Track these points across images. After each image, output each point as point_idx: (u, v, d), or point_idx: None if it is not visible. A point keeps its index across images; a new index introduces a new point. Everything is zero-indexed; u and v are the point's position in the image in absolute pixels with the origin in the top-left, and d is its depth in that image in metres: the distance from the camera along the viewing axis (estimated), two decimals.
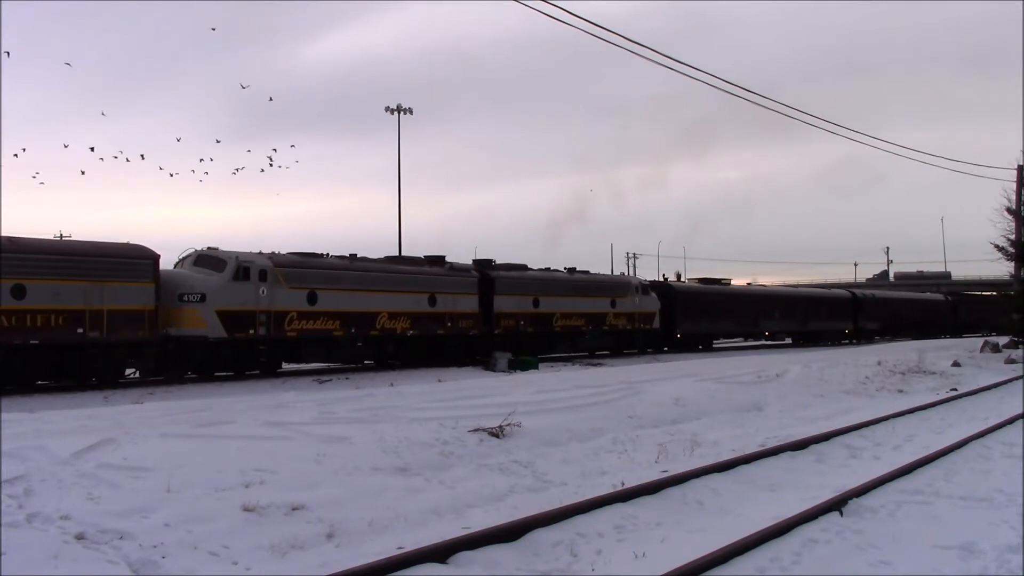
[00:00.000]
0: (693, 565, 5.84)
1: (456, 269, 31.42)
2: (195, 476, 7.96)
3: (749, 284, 53.62)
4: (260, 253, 25.68)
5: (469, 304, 31.02)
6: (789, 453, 10.54)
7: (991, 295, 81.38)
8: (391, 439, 10.06)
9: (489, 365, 29.49)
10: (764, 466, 9.76)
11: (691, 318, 42.37)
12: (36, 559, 5.83)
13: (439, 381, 21.44)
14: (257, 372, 25.65)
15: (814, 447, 10.96)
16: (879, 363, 23.18)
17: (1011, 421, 13.38)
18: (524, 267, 34.93)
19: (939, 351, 30.28)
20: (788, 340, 52.86)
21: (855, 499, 7.92)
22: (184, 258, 25.09)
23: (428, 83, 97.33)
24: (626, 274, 42.38)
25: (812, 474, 9.55)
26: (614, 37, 17.42)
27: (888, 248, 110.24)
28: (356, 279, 27.55)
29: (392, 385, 19.96)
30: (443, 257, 31.57)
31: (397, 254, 34.58)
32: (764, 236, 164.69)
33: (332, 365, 28.86)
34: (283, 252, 26.87)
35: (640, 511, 7.55)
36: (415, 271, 29.95)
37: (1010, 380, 21.86)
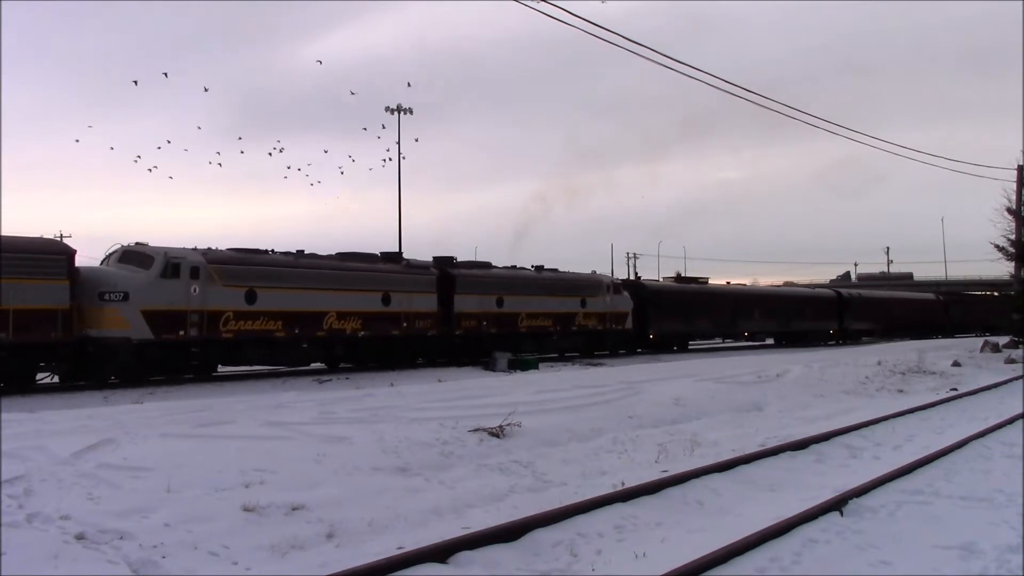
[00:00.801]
0: (693, 565, 5.84)
1: (413, 266, 29.92)
2: (195, 476, 7.96)
3: (728, 283, 51.22)
4: (195, 249, 24.25)
5: (427, 303, 29.47)
6: (789, 453, 10.54)
7: (984, 294, 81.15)
8: (391, 439, 10.06)
9: (489, 365, 29.46)
10: (764, 466, 9.76)
11: (664, 318, 40.90)
12: (36, 559, 5.83)
13: (439, 381, 21.45)
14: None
15: (814, 447, 10.96)
16: (879, 363, 23.19)
17: (1011, 421, 13.38)
18: (488, 265, 33.56)
19: (939, 351, 30.28)
20: (770, 341, 51.61)
21: (855, 499, 7.92)
22: (110, 254, 23.58)
23: (428, 83, 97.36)
24: (598, 272, 38.80)
25: (812, 474, 9.55)
26: (614, 37, 17.42)
27: (888, 248, 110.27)
28: (300, 277, 26.00)
29: (392, 385, 19.97)
30: (400, 254, 30.25)
31: (352, 251, 32.20)
32: (764, 236, 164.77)
33: (276, 368, 27.52)
34: (221, 248, 25.37)
35: (640, 511, 7.55)
36: (367, 268, 28.33)
37: (1010, 380, 21.85)
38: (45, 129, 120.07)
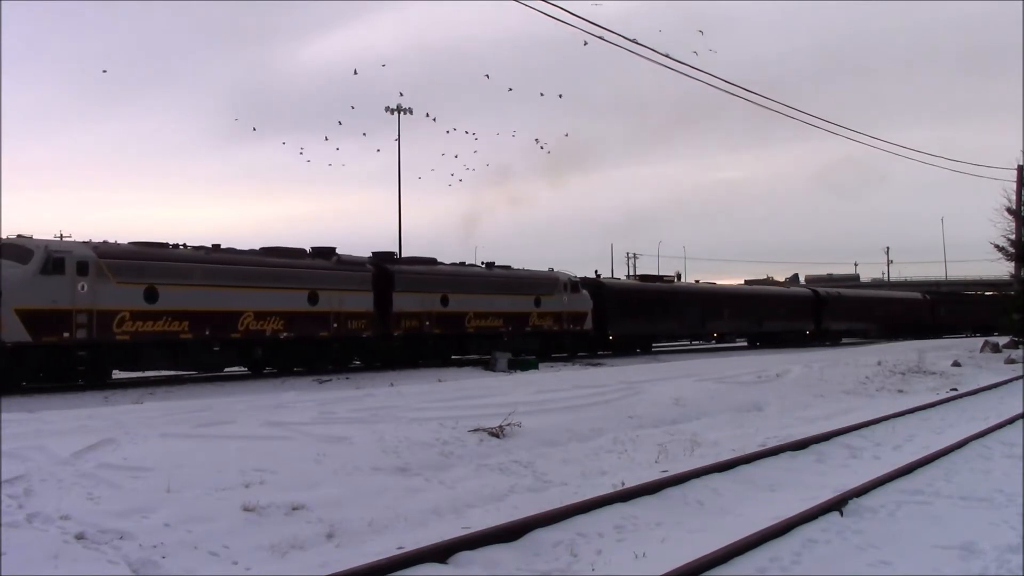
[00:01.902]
0: (693, 565, 5.83)
1: (346, 263, 27.84)
2: (195, 476, 7.96)
3: (697, 282, 48.70)
4: (86, 242, 22.24)
5: (361, 302, 27.43)
6: (789, 453, 10.54)
7: (974, 294, 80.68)
8: (391, 439, 10.06)
9: (489, 365, 29.46)
10: (764, 466, 9.76)
11: (625, 318, 38.79)
12: (36, 559, 5.83)
13: (439, 381, 21.45)
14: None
15: (814, 447, 10.96)
16: (879, 363, 23.20)
17: (1011, 421, 13.38)
18: (433, 261, 31.55)
19: (939, 351, 30.28)
20: (743, 342, 49.58)
21: (855, 499, 7.91)
22: None
23: (428, 83, 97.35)
24: (555, 270, 36.57)
25: (812, 474, 9.55)
26: (614, 37, 17.42)
27: (888, 248, 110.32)
28: (210, 273, 23.79)
29: (392, 385, 19.98)
30: (333, 249, 28.00)
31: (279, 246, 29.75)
32: (764, 236, 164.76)
33: (183, 373, 25.52)
34: (119, 242, 23.25)
35: (640, 511, 7.55)
36: (291, 264, 26.22)
37: (1010, 380, 21.86)
38: (45, 129, 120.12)
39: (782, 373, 19.69)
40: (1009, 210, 37.97)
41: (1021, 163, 38.42)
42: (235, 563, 6.20)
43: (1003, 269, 42.67)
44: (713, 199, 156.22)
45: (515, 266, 35.84)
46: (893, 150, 41.20)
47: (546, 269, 36.33)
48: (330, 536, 6.86)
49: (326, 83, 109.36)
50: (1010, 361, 28.53)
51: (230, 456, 8.71)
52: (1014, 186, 38.14)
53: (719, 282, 54.15)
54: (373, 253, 30.25)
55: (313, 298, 26.18)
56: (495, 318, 32.21)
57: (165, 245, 23.92)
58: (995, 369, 25.71)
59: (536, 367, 28.87)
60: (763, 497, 8.42)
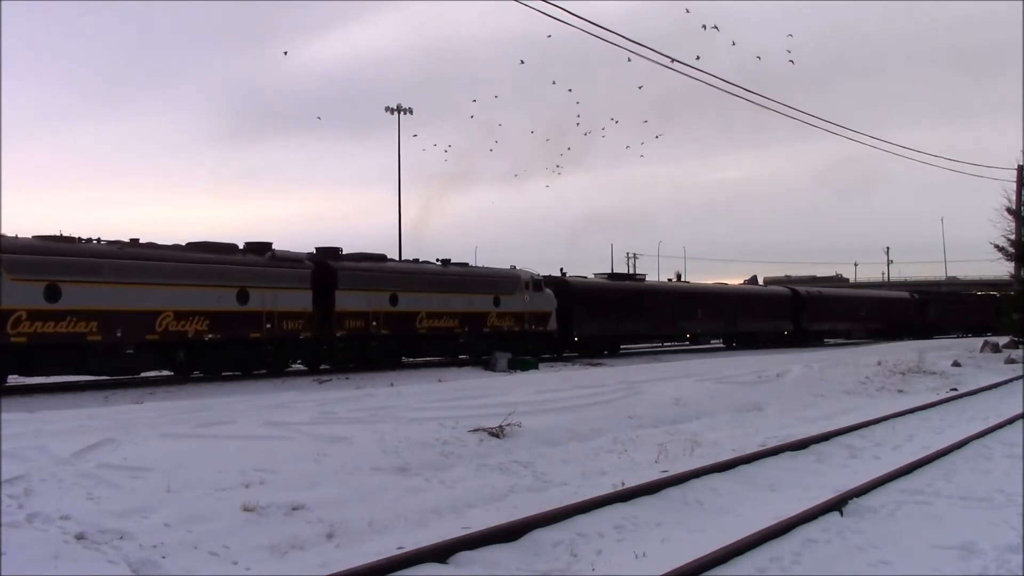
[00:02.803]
0: (693, 565, 5.83)
1: (281, 259, 25.97)
2: (195, 476, 7.96)
3: (670, 280, 47.77)
4: None
5: (299, 301, 25.68)
6: (789, 453, 10.54)
7: (965, 293, 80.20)
8: (391, 439, 10.06)
9: (489, 365, 29.47)
10: (764, 466, 9.76)
11: (591, 318, 37.15)
12: (36, 559, 5.83)
13: (439, 381, 21.46)
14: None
15: (814, 447, 10.96)
16: (879, 363, 23.20)
17: (1011, 421, 13.38)
18: (382, 258, 29.95)
19: (939, 351, 30.29)
20: (717, 344, 48.06)
21: (855, 499, 7.91)
22: None
23: (428, 83, 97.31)
24: (518, 268, 34.80)
25: (812, 474, 9.55)
26: (614, 37, 17.42)
27: (888, 248, 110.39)
28: (122, 269, 21.78)
29: (392, 385, 19.98)
30: (269, 244, 26.17)
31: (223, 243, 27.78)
32: (764, 236, 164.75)
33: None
34: (19, 236, 21.17)
35: (640, 511, 7.55)
36: (217, 260, 24.24)
37: (1010, 380, 21.86)
38: (45, 129, 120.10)
39: (782, 373, 19.69)
40: (1009, 210, 37.98)
41: (1021, 163, 38.45)
42: (235, 563, 6.20)
43: (1003, 269, 42.69)
44: (713, 199, 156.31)
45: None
46: (893, 150, 41.19)
47: (508, 267, 34.79)
48: (330, 536, 6.86)
49: (326, 83, 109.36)
50: (1010, 361, 28.54)
51: (230, 456, 8.71)
52: (1014, 186, 38.16)
53: (726, 283, 53.70)
54: (316, 248, 28.50)
55: (243, 297, 24.34)
56: (450, 318, 30.50)
57: (74, 239, 22.00)
58: (995, 369, 25.71)
59: (536, 367, 28.87)
60: (763, 497, 8.42)
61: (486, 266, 34.18)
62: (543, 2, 15.17)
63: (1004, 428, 12.80)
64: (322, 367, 27.20)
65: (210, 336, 23.59)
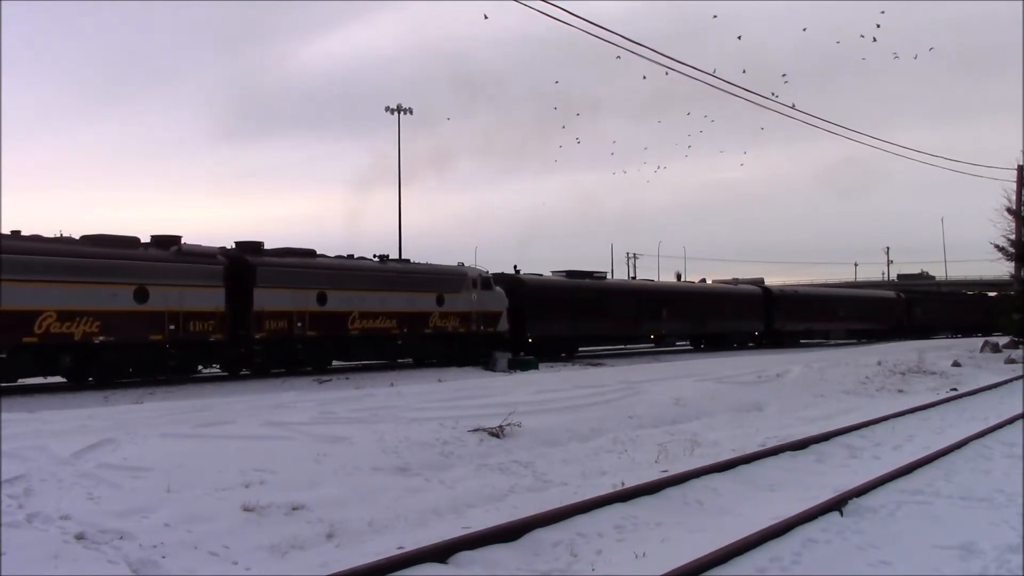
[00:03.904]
0: (693, 565, 5.83)
1: (189, 254, 23.85)
2: (195, 476, 7.96)
3: (633, 278, 45.09)
4: None
5: (209, 300, 23.58)
6: (789, 453, 10.54)
7: (954, 292, 79.57)
8: (391, 439, 10.06)
9: (489, 365, 29.46)
10: (764, 466, 9.76)
11: (546, 318, 34.95)
12: (36, 559, 5.83)
13: (439, 381, 21.47)
14: (249, 373, 22.98)
15: (814, 447, 10.96)
16: (879, 363, 23.21)
17: (1011, 421, 13.38)
18: (310, 253, 27.70)
19: (939, 351, 30.30)
20: (685, 345, 46.09)
21: (855, 499, 7.91)
22: None
23: (428, 83, 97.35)
24: (466, 264, 32.68)
25: (812, 474, 9.55)
26: (614, 37, 17.42)
27: (888, 248, 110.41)
28: None
29: (392, 385, 19.99)
30: (177, 238, 24.07)
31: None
32: (764, 236, 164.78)
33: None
34: None
35: (640, 511, 7.55)
36: (111, 255, 21.95)
37: (1010, 380, 21.86)
38: (45, 129, 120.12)
39: (782, 373, 19.70)
40: (1009, 210, 38.02)
41: (1021, 163, 38.49)
42: (235, 563, 6.20)
43: (1003, 269, 42.70)
44: (713, 199, 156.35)
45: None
46: (893, 150, 41.22)
47: (456, 263, 32.69)
48: (330, 536, 6.86)
49: (326, 83, 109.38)
50: (1010, 361, 28.55)
51: (230, 456, 8.71)
52: (1014, 186, 38.20)
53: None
54: (236, 243, 26.41)
55: (142, 295, 22.17)
56: (386, 318, 28.40)
57: None
58: (995, 369, 25.72)
59: (536, 367, 28.86)
60: (763, 497, 8.42)
61: (430, 262, 31.70)
62: (543, 2, 15.18)
63: (1004, 428, 12.80)
64: (243, 372, 25.27)
65: (101, 338, 21.34)
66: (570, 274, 39.06)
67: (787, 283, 77.57)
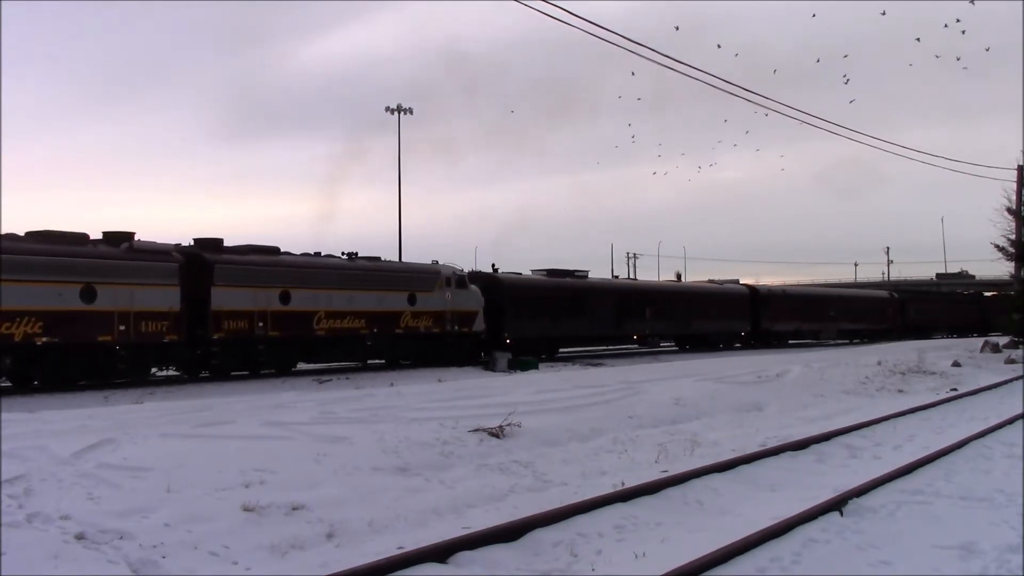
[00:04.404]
0: (693, 565, 5.83)
1: (142, 251, 22.75)
2: (195, 476, 7.96)
3: (616, 277, 43.17)
4: None
5: (162, 299, 22.48)
6: (789, 453, 10.54)
7: (949, 292, 79.12)
8: (391, 439, 10.06)
9: (489, 365, 29.47)
10: (764, 466, 9.76)
11: (525, 318, 33.84)
12: (36, 559, 5.83)
13: (439, 381, 21.47)
14: (259, 372, 23.13)
15: (814, 447, 10.96)
16: (879, 363, 23.22)
17: (1011, 421, 13.38)
18: (274, 250, 26.62)
19: (939, 351, 30.31)
20: (671, 345, 44.49)
21: (855, 499, 7.91)
22: None
23: (428, 83, 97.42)
24: (440, 262, 31.49)
25: (812, 474, 9.55)
26: (614, 37, 17.43)
27: (888, 248, 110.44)
28: None
29: (392, 385, 19.99)
30: (131, 235, 22.96)
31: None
32: (764, 236, 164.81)
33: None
34: None
35: (640, 511, 7.55)
36: (56, 252, 20.92)
37: (1010, 380, 21.87)
38: (45, 129, 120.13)
39: (782, 373, 19.70)
40: (1009, 210, 38.07)
41: (1021, 163, 38.52)
42: (235, 563, 6.20)
43: (1003, 269, 42.73)
44: (713, 199, 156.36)
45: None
46: (893, 150, 41.24)
47: (430, 261, 31.72)
48: (330, 536, 6.86)
49: (326, 83, 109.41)
50: (1010, 361, 28.56)
51: (230, 456, 8.71)
52: (1014, 186, 38.24)
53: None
54: (194, 240, 25.40)
55: (88, 294, 21.17)
56: (355, 318, 27.32)
57: None
58: (995, 369, 25.73)
59: (536, 367, 28.86)
60: (763, 497, 8.42)
61: (404, 260, 30.74)
62: (543, 2, 15.18)
63: (1004, 428, 12.80)
64: (202, 374, 24.25)
65: (44, 340, 20.31)
66: (550, 273, 38.11)
67: (788, 283, 77.53)
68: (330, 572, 5.61)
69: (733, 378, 18.41)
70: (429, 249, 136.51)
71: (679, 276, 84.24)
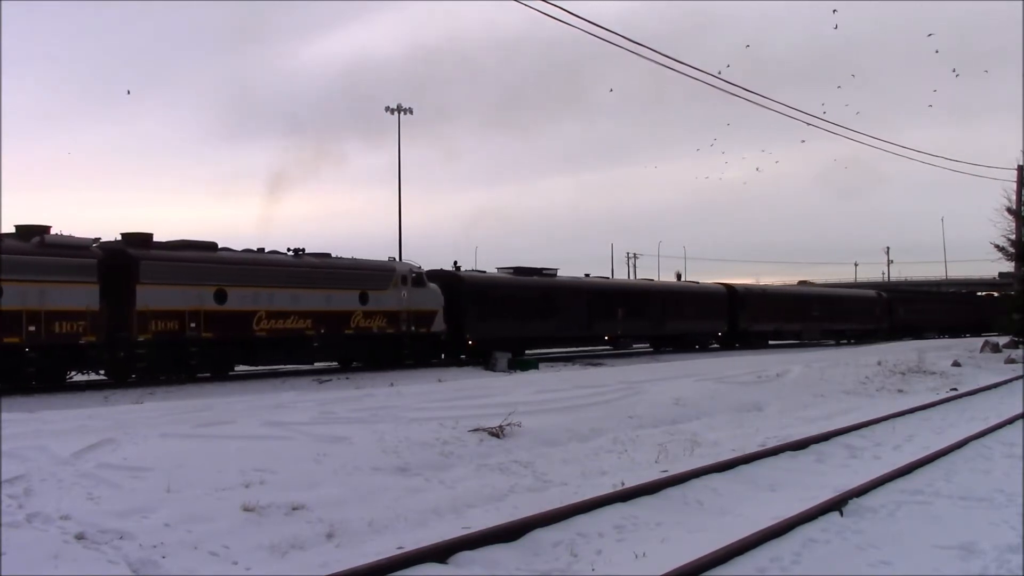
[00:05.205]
0: (693, 565, 5.84)
1: (56, 245, 21.21)
2: (195, 476, 7.97)
3: (587, 276, 40.09)
4: None
5: (79, 298, 20.94)
6: (789, 453, 10.54)
7: (940, 292, 78.95)
8: (391, 439, 10.07)
9: (489, 365, 29.47)
10: (764, 466, 9.76)
11: (488, 319, 32.42)
12: (36, 559, 5.83)
13: (439, 381, 21.46)
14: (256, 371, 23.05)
15: (814, 447, 10.96)
16: (879, 363, 23.23)
17: (1011, 421, 13.39)
18: (211, 246, 25.06)
19: (939, 351, 30.32)
20: (647, 346, 42.69)
21: (855, 499, 7.92)
22: None
23: (428, 83, 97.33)
24: (397, 259, 30.49)
25: (812, 474, 9.56)
26: (614, 37, 17.43)
27: (888, 248, 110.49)
28: None
29: (392, 385, 19.98)
30: (46, 229, 21.52)
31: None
32: (764, 236, 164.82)
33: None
34: None
35: (640, 511, 7.55)
36: None
37: (1010, 380, 21.87)
38: (45, 129, 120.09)
39: (782, 373, 19.71)
40: (1009, 210, 38.08)
41: (1021, 163, 38.52)
42: (235, 563, 6.20)
43: (1003, 269, 42.72)
44: (713, 199, 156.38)
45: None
46: (893, 150, 41.20)
47: (385, 259, 30.36)
48: (330, 536, 6.86)
49: (326, 83, 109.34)
50: (1010, 361, 28.57)
51: (230, 456, 8.71)
52: (1014, 186, 38.24)
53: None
54: (122, 235, 23.77)
55: None
56: (300, 318, 25.88)
57: None
58: (995, 369, 25.74)
59: (536, 367, 28.88)
60: (763, 497, 8.42)
61: (355, 257, 29.15)
62: (543, 2, 15.18)
63: (1004, 428, 12.81)
64: (131, 378, 22.65)
65: None
66: (517, 271, 36.52)
67: (787, 284, 77.44)
68: (330, 572, 5.62)
69: (733, 378, 18.41)
70: (429, 249, 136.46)
71: (679, 276, 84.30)
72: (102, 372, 22.85)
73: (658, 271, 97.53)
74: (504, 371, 28.09)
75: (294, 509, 7.36)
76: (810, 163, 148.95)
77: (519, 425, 11.30)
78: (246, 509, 7.22)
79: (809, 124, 26.43)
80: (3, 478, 7.30)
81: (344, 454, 9.28)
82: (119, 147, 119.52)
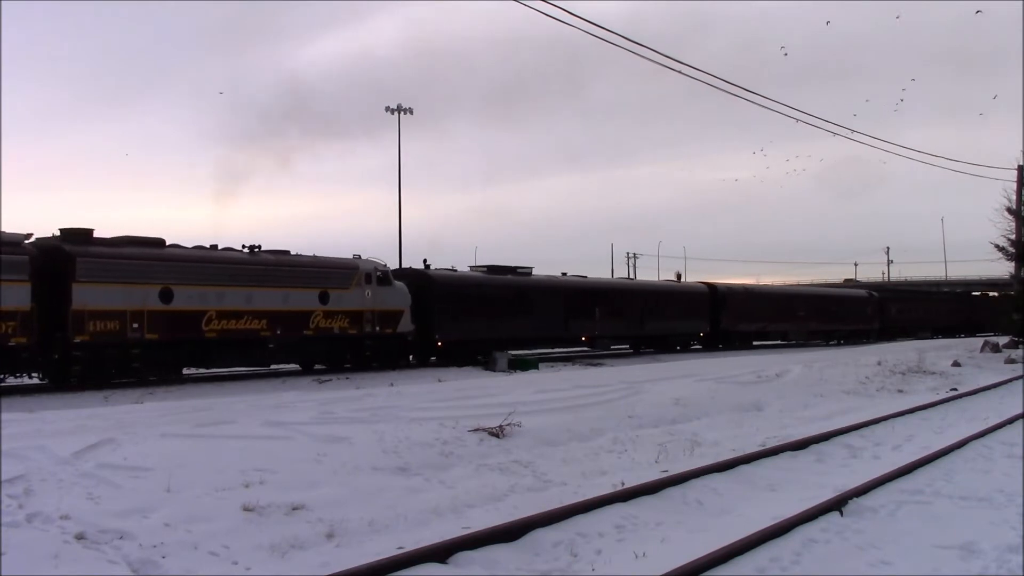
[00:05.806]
0: (693, 565, 5.84)
1: None
2: (195, 476, 7.96)
3: (564, 274, 38.68)
4: None
5: (9, 296, 19.66)
6: (789, 453, 10.54)
7: (932, 291, 78.65)
8: (391, 439, 10.06)
9: (489, 365, 29.46)
10: (764, 466, 9.76)
11: (459, 319, 31.21)
12: (36, 559, 5.83)
13: (439, 381, 21.46)
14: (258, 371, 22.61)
15: (814, 447, 10.96)
16: (879, 363, 23.23)
17: (1011, 421, 13.39)
18: (157, 243, 23.61)
19: (939, 351, 30.33)
20: (626, 347, 41.65)
21: (855, 499, 7.92)
22: None
23: (428, 83, 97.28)
24: (362, 256, 28.67)
25: (812, 474, 9.55)
26: (614, 37, 17.43)
27: (888, 248, 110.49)
28: None
29: (392, 385, 19.97)
30: None
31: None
32: (764, 236, 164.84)
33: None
34: None
35: (640, 511, 7.55)
36: None
37: (1010, 380, 21.87)
38: (45, 129, 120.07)
39: (782, 373, 19.71)
40: (1009, 210, 38.09)
41: (1021, 163, 38.49)
42: (235, 563, 6.20)
43: (1003, 269, 42.74)
44: (713, 199, 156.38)
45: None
46: (893, 150, 41.22)
47: (352, 256, 28.84)
48: (330, 536, 6.86)
49: (326, 83, 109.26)
50: (1010, 361, 28.57)
51: (230, 456, 8.71)
52: (1014, 186, 38.24)
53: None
54: (60, 230, 22.35)
55: None
56: (254, 318, 24.43)
57: None
58: (995, 369, 25.74)
59: (536, 367, 28.88)
60: (763, 497, 8.42)
61: (316, 254, 27.78)
62: (543, 2, 15.18)
63: (1004, 428, 12.81)
64: (72, 381, 21.16)
65: None
66: (490, 269, 35.30)
67: (788, 284, 77.43)
68: (330, 572, 5.61)
69: (733, 378, 18.42)
70: (429, 249, 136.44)
71: (679, 276, 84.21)
72: (36, 376, 21.59)
73: (658, 271, 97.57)
74: (504, 371, 28.10)
75: (294, 509, 7.37)
76: (810, 163, 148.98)
77: (519, 425, 11.30)
78: (246, 509, 7.22)
79: (809, 124, 26.42)
80: (3, 478, 7.30)
81: (344, 454, 9.28)
82: (119, 147, 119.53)
